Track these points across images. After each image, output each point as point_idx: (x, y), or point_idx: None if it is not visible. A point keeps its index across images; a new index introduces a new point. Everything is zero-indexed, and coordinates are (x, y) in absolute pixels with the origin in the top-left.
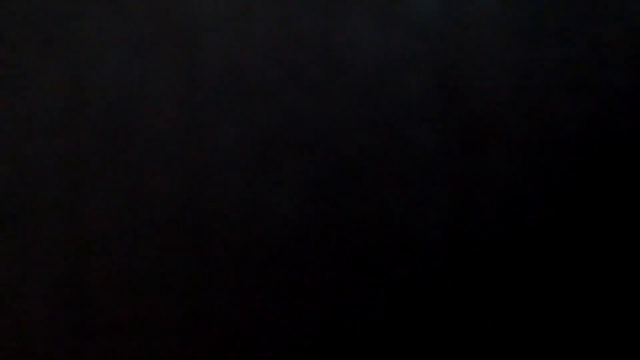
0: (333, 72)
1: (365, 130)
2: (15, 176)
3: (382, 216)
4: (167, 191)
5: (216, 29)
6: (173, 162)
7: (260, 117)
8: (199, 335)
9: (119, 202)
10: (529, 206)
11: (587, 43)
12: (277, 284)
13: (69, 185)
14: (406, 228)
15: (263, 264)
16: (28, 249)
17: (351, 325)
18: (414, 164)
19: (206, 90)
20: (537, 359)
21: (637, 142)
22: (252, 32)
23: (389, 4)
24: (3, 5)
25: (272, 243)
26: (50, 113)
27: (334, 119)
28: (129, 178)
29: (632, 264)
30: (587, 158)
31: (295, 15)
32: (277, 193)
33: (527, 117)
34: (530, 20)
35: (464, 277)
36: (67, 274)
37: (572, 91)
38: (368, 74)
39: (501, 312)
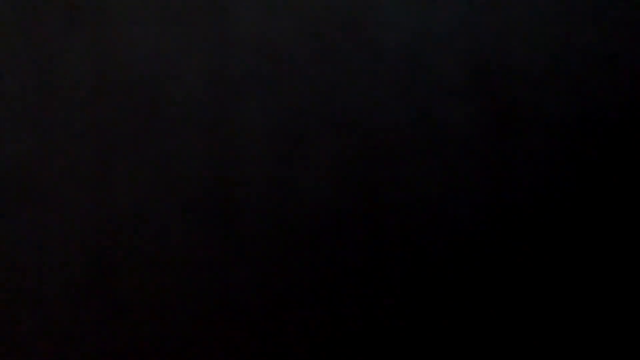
0: (365, 50)
1: (397, 110)
2: (41, 155)
3: (414, 197)
4: (195, 170)
5: (246, 3)
6: (201, 140)
7: (291, 95)
8: (227, 318)
9: (146, 181)
10: (563, 189)
11: (622, 23)
12: (306, 266)
13: (95, 164)
14: (438, 209)
15: (292, 246)
16: (53, 230)
17: (384, 307)
18: (446, 144)
19: (235, 67)
20: (571, 345)
21: None
22: (284, 6)
23: None
24: None
25: (302, 224)
26: (76, 90)
27: (365, 98)
28: (157, 156)
29: None
30: (622, 141)
31: None
32: (307, 172)
33: (562, 99)
34: (566, 1)
35: (497, 259)
36: (94, 255)
37: (608, 72)
38: (400, 52)
39: (537, 295)
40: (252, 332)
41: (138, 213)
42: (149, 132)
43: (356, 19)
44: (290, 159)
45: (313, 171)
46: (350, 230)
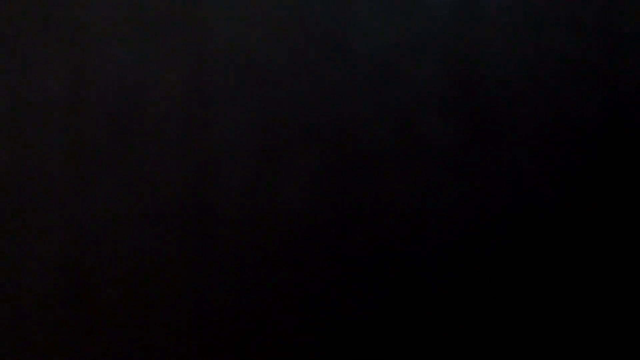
0: (343, 61)
1: (375, 120)
2: (14, 165)
3: (392, 207)
4: (172, 181)
5: (224, 15)
6: (179, 151)
7: (268, 106)
8: (204, 330)
9: (123, 192)
10: (541, 198)
11: (601, 33)
12: (285, 277)
13: (70, 175)
14: (417, 219)
15: (271, 257)
16: (27, 241)
17: (361, 318)
18: (425, 154)
19: (213, 78)
20: (552, 353)
21: None
22: (261, 19)
23: None
24: None
25: (280, 235)
26: (51, 100)
27: (344, 109)
28: (133, 167)
29: None
30: (600, 150)
31: (306, 2)
32: (285, 184)
33: (540, 108)
34: (543, 10)
35: (475, 270)
36: (68, 267)
37: (586, 82)
38: (379, 63)
39: (512, 306)
40: (230, 344)
41: (114, 223)
42: (124, 143)
43: (334, 29)
44: (268, 170)
45: (291, 182)
46: (329, 242)
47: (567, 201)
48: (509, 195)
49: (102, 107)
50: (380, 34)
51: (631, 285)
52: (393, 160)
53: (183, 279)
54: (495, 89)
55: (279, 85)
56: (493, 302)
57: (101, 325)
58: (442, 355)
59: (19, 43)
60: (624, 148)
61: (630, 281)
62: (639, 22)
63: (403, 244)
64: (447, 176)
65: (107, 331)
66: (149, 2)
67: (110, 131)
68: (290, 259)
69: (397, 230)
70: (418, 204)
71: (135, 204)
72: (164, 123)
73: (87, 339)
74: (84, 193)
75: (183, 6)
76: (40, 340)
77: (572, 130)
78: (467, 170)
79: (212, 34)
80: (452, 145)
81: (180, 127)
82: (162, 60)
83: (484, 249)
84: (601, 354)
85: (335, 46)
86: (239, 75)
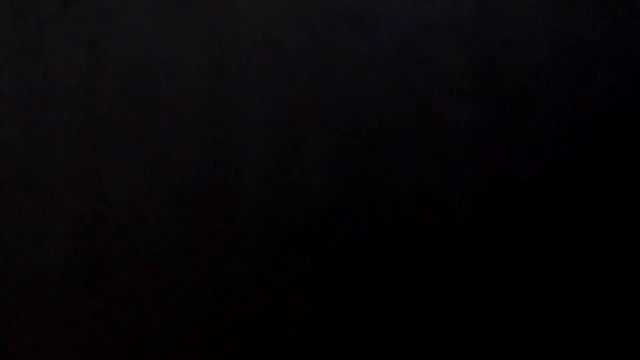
0: (364, 42)
1: (396, 102)
2: (31, 143)
3: (413, 191)
4: (189, 161)
5: None
6: (197, 131)
7: (287, 86)
8: (222, 312)
9: (140, 172)
10: (560, 181)
11: (625, 18)
12: (303, 259)
13: (87, 154)
14: (439, 203)
15: (290, 241)
16: (43, 221)
17: (382, 301)
18: (445, 137)
19: (233, 56)
20: (577, 341)
21: None
22: None
23: None
24: None
25: (299, 218)
26: (68, 77)
27: (364, 90)
28: (150, 146)
29: None
30: (624, 133)
31: None
32: (305, 164)
33: (563, 91)
34: None
35: (499, 253)
36: (84, 248)
37: (609, 68)
38: (400, 44)
39: (535, 290)
40: (248, 328)
41: (131, 207)
42: (142, 123)
43: (355, 9)
44: (288, 151)
45: (311, 164)
46: (348, 224)
47: (586, 186)
48: (532, 179)
49: (120, 85)
50: (403, 15)
51: None
52: (413, 142)
53: (201, 259)
54: (516, 72)
55: (299, 65)
56: (514, 284)
57: (118, 306)
58: (465, 337)
59: (38, 21)
60: None
61: None
62: None
63: (423, 227)
64: (468, 159)
65: (124, 312)
66: None
67: (129, 109)
68: (310, 240)
69: (417, 212)
70: (438, 186)
71: (153, 183)
72: (182, 102)
73: (103, 320)
74: (101, 175)
75: None
76: (56, 320)
77: (597, 115)
78: (489, 154)
79: (232, 11)
80: (472, 128)
81: (200, 105)
82: (181, 38)
83: (504, 231)
84: (610, 351)
85: (358, 27)
86: (259, 54)
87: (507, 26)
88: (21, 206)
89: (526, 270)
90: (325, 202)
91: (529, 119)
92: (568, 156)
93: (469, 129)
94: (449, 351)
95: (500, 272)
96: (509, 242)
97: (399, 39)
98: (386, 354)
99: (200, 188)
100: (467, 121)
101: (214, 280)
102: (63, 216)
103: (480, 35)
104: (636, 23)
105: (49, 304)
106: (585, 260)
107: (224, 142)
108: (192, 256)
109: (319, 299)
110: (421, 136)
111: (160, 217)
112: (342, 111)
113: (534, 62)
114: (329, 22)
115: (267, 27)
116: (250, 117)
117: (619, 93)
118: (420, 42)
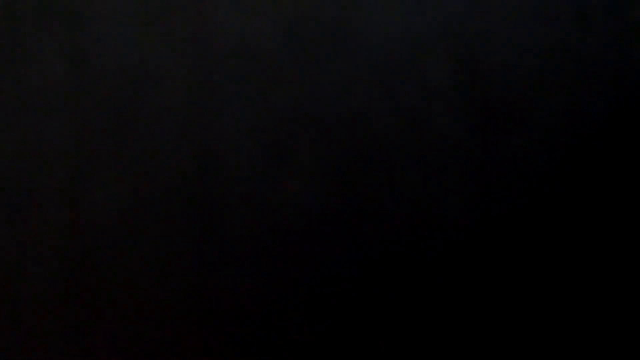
0: (351, 53)
1: (383, 113)
2: (13, 160)
3: (400, 203)
4: (175, 178)
5: (226, 3)
6: (181, 146)
7: (273, 99)
8: (207, 331)
9: (124, 188)
10: (550, 191)
11: (610, 26)
12: (290, 277)
13: (71, 171)
14: (426, 213)
15: (277, 252)
16: (27, 239)
17: (369, 313)
18: (433, 148)
19: (217, 70)
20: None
21: None
22: (267, 9)
23: None
24: None
25: (287, 229)
26: (51, 92)
27: (351, 102)
28: (135, 160)
29: None
30: (609, 143)
31: None
32: (291, 178)
33: (548, 101)
34: (552, 3)
35: (485, 263)
36: (69, 266)
37: (595, 75)
38: (387, 55)
39: (525, 301)
40: (236, 340)
41: (117, 217)
42: (126, 135)
43: (340, 20)
44: (274, 165)
45: (297, 176)
46: (337, 237)
47: (575, 193)
48: (518, 187)
49: (103, 99)
50: (389, 26)
51: (635, 281)
52: (401, 153)
53: (186, 275)
54: (504, 82)
55: (284, 77)
56: (503, 294)
57: (103, 323)
58: (454, 348)
59: (20, 32)
60: (633, 142)
61: (635, 277)
62: None
63: (412, 236)
64: (457, 169)
65: (110, 329)
66: None
67: (112, 123)
68: (297, 255)
69: (406, 224)
70: (427, 198)
71: (138, 200)
72: (166, 115)
73: (89, 339)
74: (86, 186)
75: None
76: (41, 338)
77: (581, 122)
78: (476, 164)
79: (215, 23)
80: (461, 139)
81: (184, 119)
82: (164, 50)
83: (494, 242)
84: (602, 354)
85: (343, 37)
86: (243, 67)
87: (492, 36)
88: (5, 217)
89: (516, 281)
90: (313, 215)
91: (516, 127)
92: (556, 167)
93: (458, 139)
94: None
95: (490, 283)
96: (499, 248)
97: (385, 50)
98: None
99: (185, 201)
100: (456, 131)
101: (199, 293)
102: (44, 228)
103: (468, 45)
104: (623, 32)
105: (34, 321)
106: (572, 269)
107: (208, 155)
108: (176, 269)
109: (306, 312)
110: (409, 147)
111: (147, 229)
112: (328, 122)
113: (522, 71)
114: (315, 34)
115: (251, 39)
116: (235, 130)
117: (603, 98)
118: (407, 53)
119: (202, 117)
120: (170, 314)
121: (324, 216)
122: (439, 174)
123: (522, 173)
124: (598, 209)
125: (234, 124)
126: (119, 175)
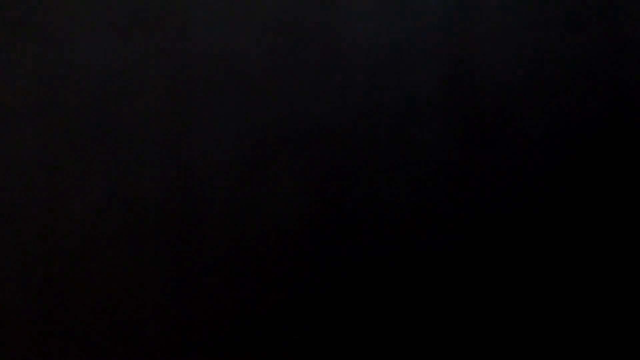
0: (332, 64)
1: (367, 126)
2: None
3: (385, 217)
4: (152, 191)
5: (204, 14)
6: (159, 159)
7: (253, 111)
8: (188, 344)
9: (101, 202)
10: (539, 202)
11: (601, 33)
12: (272, 291)
13: (45, 184)
14: (411, 224)
15: (257, 270)
16: (1, 254)
17: (353, 326)
18: (419, 158)
19: (194, 81)
20: (552, 353)
21: None
22: (246, 19)
23: None
24: None
25: (267, 248)
26: (23, 104)
27: (334, 114)
28: (111, 175)
29: None
30: (601, 152)
31: (293, 1)
32: (273, 190)
33: (539, 110)
34: (542, 9)
35: (472, 276)
36: (45, 281)
37: (586, 83)
38: (370, 64)
39: (513, 314)
40: (211, 345)
41: (91, 234)
42: (102, 147)
43: (323, 30)
44: (255, 176)
45: (279, 188)
46: (317, 253)
47: (567, 204)
48: (507, 199)
49: (78, 111)
50: (372, 34)
51: (632, 286)
52: (385, 164)
53: (166, 288)
54: (492, 91)
55: (264, 88)
56: (491, 307)
57: (82, 339)
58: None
59: None
60: (626, 150)
61: (631, 282)
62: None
63: (397, 248)
64: (442, 180)
65: (88, 345)
66: (127, 1)
67: (87, 136)
68: (279, 268)
69: (391, 236)
70: (412, 209)
71: (115, 213)
72: (144, 127)
73: (67, 354)
74: (61, 200)
75: (162, 5)
76: (18, 355)
77: (572, 132)
78: (463, 175)
79: (192, 34)
80: (447, 149)
81: (162, 131)
82: (141, 62)
83: (481, 254)
84: (601, 354)
85: (324, 47)
86: (222, 78)
87: (482, 43)
88: None
89: (507, 292)
90: (295, 228)
91: (507, 138)
92: (549, 175)
93: (444, 150)
94: None
95: (479, 295)
96: (486, 260)
97: (370, 59)
98: None
99: (164, 216)
100: (442, 141)
101: (177, 303)
102: (20, 246)
103: (455, 53)
104: (614, 39)
105: (10, 340)
106: (563, 277)
107: (188, 168)
108: (154, 279)
109: (291, 323)
110: (394, 158)
111: (123, 246)
112: (312, 134)
113: (510, 79)
114: (297, 44)
115: (229, 49)
116: (215, 142)
117: (593, 107)
118: (391, 62)
119: (181, 128)
120: (149, 323)
121: (305, 229)
122: (426, 184)
123: (511, 184)
124: (588, 218)
125: (213, 135)
126: (95, 189)
